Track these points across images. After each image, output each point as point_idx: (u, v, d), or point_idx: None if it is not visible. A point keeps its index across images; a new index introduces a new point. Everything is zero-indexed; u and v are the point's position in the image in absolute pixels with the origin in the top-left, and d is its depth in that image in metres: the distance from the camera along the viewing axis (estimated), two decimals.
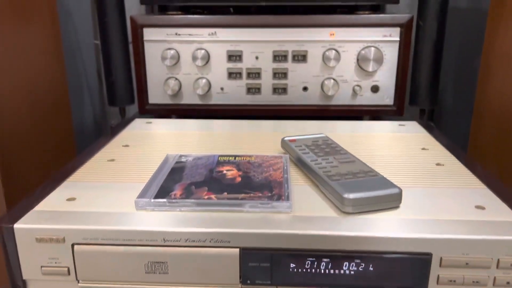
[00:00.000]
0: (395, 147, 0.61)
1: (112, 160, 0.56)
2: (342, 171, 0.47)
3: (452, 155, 0.57)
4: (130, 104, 0.86)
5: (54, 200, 0.45)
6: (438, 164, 0.54)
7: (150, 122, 0.74)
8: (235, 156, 0.54)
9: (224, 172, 0.49)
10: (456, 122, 1.12)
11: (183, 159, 0.53)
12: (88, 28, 1.09)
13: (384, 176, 0.46)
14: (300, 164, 0.52)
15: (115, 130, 0.70)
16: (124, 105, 0.86)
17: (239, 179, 0.47)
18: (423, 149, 0.60)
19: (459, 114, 1.11)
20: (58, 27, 0.94)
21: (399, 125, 0.72)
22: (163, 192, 0.44)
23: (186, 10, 0.84)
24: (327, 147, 0.54)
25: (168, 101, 0.85)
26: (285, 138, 0.58)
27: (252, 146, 0.61)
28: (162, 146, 0.62)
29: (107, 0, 0.78)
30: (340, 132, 0.69)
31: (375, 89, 0.82)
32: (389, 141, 0.64)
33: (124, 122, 0.77)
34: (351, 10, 0.83)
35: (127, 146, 0.61)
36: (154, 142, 0.63)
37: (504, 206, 0.43)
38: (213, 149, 0.60)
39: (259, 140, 0.64)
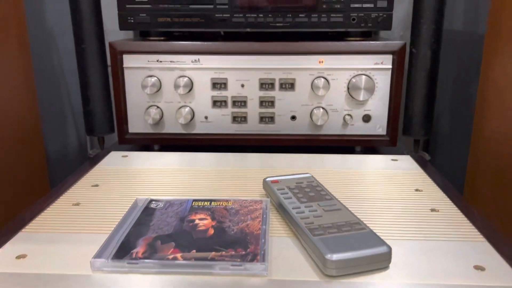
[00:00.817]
0: (386, 188, 0.56)
1: (77, 204, 0.51)
2: (326, 223, 0.42)
3: (448, 198, 0.53)
4: (109, 134, 0.82)
5: (1, 258, 0.40)
6: (432, 210, 0.50)
7: (126, 156, 0.69)
8: (210, 201, 0.49)
9: (196, 222, 0.45)
10: (452, 150, 1.07)
11: (153, 205, 0.48)
12: (66, 52, 1.05)
13: (373, 227, 0.41)
14: (282, 211, 0.48)
15: (86, 166, 0.65)
16: (102, 135, 0.81)
17: (211, 231, 0.43)
18: (417, 190, 0.55)
19: (454, 141, 1.07)
20: (29, 53, 0.90)
21: (392, 159, 0.67)
22: (124, 249, 0.39)
23: (169, 36, 0.80)
24: (312, 191, 0.50)
25: (149, 130, 0.80)
26: (267, 179, 0.53)
27: (235, 186, 0.57)
28: (135, 186, 0.57)
29: (84, 25, 0.74)
30: (329, 167, 0.65)
31: (366, 118, 0.78)
32: (380, 180, 0.59)
33: (99, 155, 0.72)
34: (341, 36, 0.79)
35: (96, 186, 0.57)
36: (127, 181, 0.59)
37: (506, 266, 0.39)
38: (190, 190, 0.56)
39: (243, 177, 0.60)
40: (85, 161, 0.73)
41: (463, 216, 0.48)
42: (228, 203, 0.49)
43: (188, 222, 0.45)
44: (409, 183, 0.58)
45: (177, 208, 0.48)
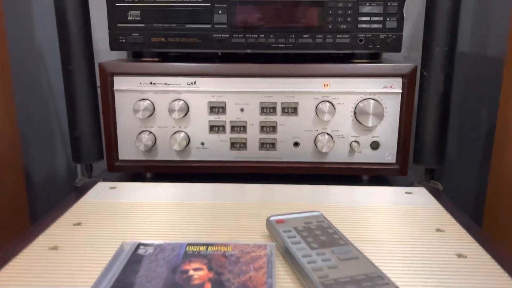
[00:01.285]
0: (404, 228, 0.50)
1: (55, 248, 0.45)
2: (342, 277, 0.36)
3: (475, 241, 0.47)
4: (97, 161, 0.76)
5: None
6: (459, 256, 0.44)
7: (114, 188, 0.63)
8: (207, 245, 0.43)
9: (191, 273, 0.38)
10: (461, 178, 1.02)
11: (142, 250, 0.42)
12: (56, 73, 0.99)
13: (392, 276, 0.35)
14: (289, 258, 0.42)
15: (71, 199, 0.59)
16: (90, 162, 0.75)
17: (208, 285, 0.37)
18: (438, 230, 0.50)
19: (463, 168, 1.02)
20: (9, 72, 0.84)
21: (406, 192, 0.62)
22: None
23: (163, 57, 0.75)
24: (323, 234, 0.44)
25: (141, 157, 0.74)
26: (271, 218, 0.47)
27: (234, 224, 0.51)
28: (122, 225, 0.51)
29: (72, 44, 0.69)
30: (337, 201, 0.59)
31: (375, 145, 0.73)
32: (396, 217, 0.53)
33: (86, 186, 0.66)
34: (347, 58, 0.74)
35: (79, 224, 0.51)
36: (113, 219, 0.52)
37: None
38: (184, 230, 0.50)
39: (244, 214, 0.54)
40: (72, 192, 0.67)
41: (495, 263, 0.43)
42: (227, 248, 0.43)
43: (181, 274, 0.38)
44: (429, 222, 0.52)
45: (169, 255, 0.42)
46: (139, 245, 0.44)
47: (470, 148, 1.00)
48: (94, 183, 0.66)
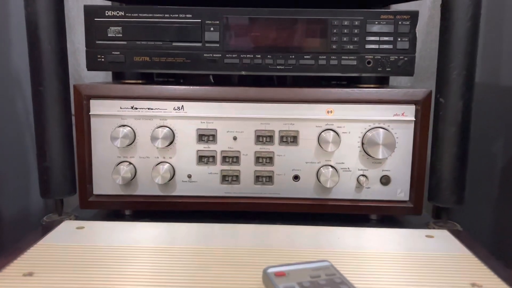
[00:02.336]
0: (432, 282, 0.41)
1: None
2: None
3: None
4: (69, 196, 0.66)
5: None
6: None
7: (82, 228, 0.53)
8: None
9: None
10: (477, 219, 0.93)
11: None
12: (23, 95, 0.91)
13: None
14: None
15: (30, 240, 0.50)
16: (61, 197, 0.66)
17: None
18: (474, 285, 0.40)
19: (477, 205, 0.93)
20: None
21: (426, 236, 0.53)
22: None
23: (148, 79, 0.67)
24: None
25: (118, 191, 0.65)
26: (269, 270, 0.38)
27: (223, 277, 0.41)
28: (83, 277, 0.41)
29: (44, 63, 0.61)
30: (347, 247, 0.50)
31: (385, 180, 0.64)
32: (420, 269, 0.44)
33: (53, 225, 0.56)
34: (353, 82, 0.67)
35: (30, 275, 0.41)
36: (73, 268, 0.43)
37: None
38: (161, 284, 0.40)
39: (235, 263, 0.44)
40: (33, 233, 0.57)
41: None
42: None
43: None
44: (460, 274, 0.43)
45: None
46: None
47: (483, 185, 0.91)
48: (54, 225, 0.56)
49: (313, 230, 0.55)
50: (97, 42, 0.62)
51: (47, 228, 0.56)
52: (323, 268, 0.39)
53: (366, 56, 0.62)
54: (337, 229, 0.55)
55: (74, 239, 0.50)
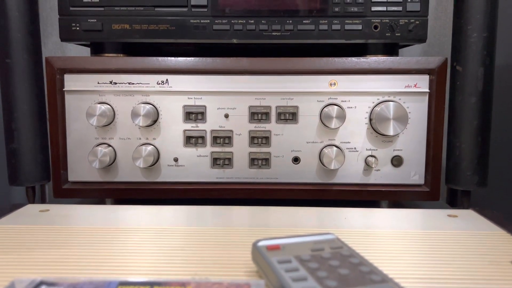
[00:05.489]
0: (465, 260, 0.33)
1: None
2: None
3: None
4: (42, 183, 0.59)
5: None
6: None
7: (46, 210, 0.46)
8: (151, 285, 0.26)
9: None
10: (500, 204, 0.84)
11: None
12: None
13: None
14: None
15: None
16: (32, 184, 0.58)
17: None
18: None
19: (498, 189, 0.85)
20: None
21: (448, 216, 0.45)
22: None
23: (129, 51, 0.60)
24: (343, 265, 0.27)
25: (96, 178, 0.58)
26: (259, 243, 0.30)
27: (208, 255, 0.34)
28: (35, 256, 0.33)
29: (11, 32, 0.54)
30: (356, 227, 0.42)
31: (397, 161, 0.56)
32: (450, 246, 0.36)
33: (12, 210, 0.49)
34: (359, 50, 0.60)
35: None
36: (26, 250, 0.35)
37: None
38: (129, 263, 0.33)
39: (223, 241, 0.37)
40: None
41: None
42: None
43: None
44: (496, 252, 0.35)
45: None
46: (40, 283, 0.26)
47: (503, 167, 0.83)
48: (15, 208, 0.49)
49: (316, 210, 0.47)
50: (71, 8, 0.56)
51: (5, 212, 0.48)
52: (327, 241, 0.31)
53: (372, 20, 0.55)
54: (344, 209, 0.48)
55: (35, 221, 0.42)
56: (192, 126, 0.57)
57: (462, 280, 0.30)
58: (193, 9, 0.55)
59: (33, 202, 0.59)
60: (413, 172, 0.57)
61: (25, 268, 0.31)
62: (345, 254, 0.29)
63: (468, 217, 0.45)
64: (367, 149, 0.57)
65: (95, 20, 0.56)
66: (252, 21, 0.55)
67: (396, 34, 0.55)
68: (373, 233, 0.39)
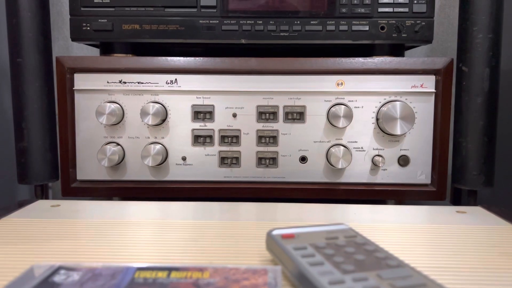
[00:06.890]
0: (476, 252, 0.34)
1: None
2: None
3: None
4: (50, 181, 0.59)
5: None
6: None
7: (57, 206, 0.46)
8: (169, 270, 0.26)
9: None
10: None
11: (59, 277, 0.25)
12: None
13: None
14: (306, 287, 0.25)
15: None
16: (41, 183, 0.59)
17: None
18: None
19: (503, 191, 0.85)
20: None
21: (457, 212, 0.45)
22: None
23: (139, 51, 0.61)
24: (358, 251, 0.27)
25: (105, 176, 0.58)
26: (274, 232, 0.31)
27: (221, 246, 0.34)
28: (49, 246, 0.34)
29: (22, 32, 0.55)
30: (365, 222, 0.42)
31: (403, 161, 0.57)
32: (461, 239, 0.37)
33: (22, 204, 0.49)
34: (365, 50, 0.60)
35: None
36: (40, 238, 0.35)
37: None
38: (146, 251, 0.33)
39: (234, 234, 0.37)
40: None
41: None
42: (202, 274, 0.26)
43: None
44: (505, 244, 0.35)
45: (104, 284, 0.25)
46: (58, 268, 0.27)
47: (507, 165, 0.83)
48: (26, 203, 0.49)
49: (325, 206, 0.48)
50: (82, 9, 0.57)
51: (10, 209, 0.48)
52: (340, 230, 0.31)
53: (379, 21, 0.56)
54: (352, 205, 0.48)
55: (47, 216, 0.43)
56: (200, 125, 0.57)
57: (472, 269, 0.31)
58: (202, 10, 0.56)
59: (42, 199, 0.60)
60: (420, 172, 0.57)
61: (42, 257, 0.31)
62: (359, 242, 0.29)
63: (476, 213, 0.45)
64: (374, 149, 0.57)
65: (106, 20, 0.57)
66: (261, 22, 0.56)
67: (403, 35, 0.56)
68: (383, 227, 0.40)
